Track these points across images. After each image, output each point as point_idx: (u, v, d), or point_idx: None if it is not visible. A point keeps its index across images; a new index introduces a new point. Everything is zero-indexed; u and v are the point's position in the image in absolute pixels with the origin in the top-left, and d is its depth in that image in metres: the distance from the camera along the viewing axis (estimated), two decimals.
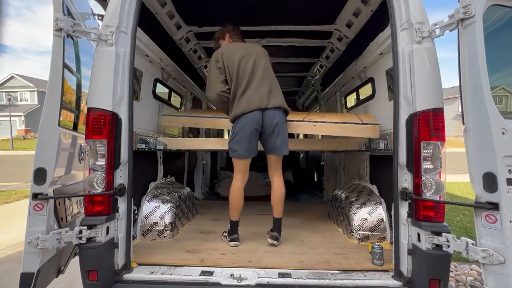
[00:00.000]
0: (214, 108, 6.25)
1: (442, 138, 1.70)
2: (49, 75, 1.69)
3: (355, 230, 2.47)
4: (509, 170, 1.44)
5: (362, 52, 2.89)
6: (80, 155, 2.28)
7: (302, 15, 3.10)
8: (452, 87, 27.92)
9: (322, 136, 4.06)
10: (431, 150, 1.70)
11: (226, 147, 2.46)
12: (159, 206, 2.59)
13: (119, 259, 1.83)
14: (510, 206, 1.42)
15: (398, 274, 1.81)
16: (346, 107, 3.92)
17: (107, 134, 1.77)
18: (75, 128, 2.27)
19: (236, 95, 2.33)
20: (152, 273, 1.86)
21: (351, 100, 3.77)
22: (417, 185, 1.73)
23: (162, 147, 3.01)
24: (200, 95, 4.75)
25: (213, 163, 6.02)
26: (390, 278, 1.83)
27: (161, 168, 3.15)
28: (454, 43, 1.59)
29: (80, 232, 1.69)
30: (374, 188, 2.72)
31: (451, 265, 3.26)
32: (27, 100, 33.01)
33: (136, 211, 2.50)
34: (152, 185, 2.83)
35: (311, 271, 1.91)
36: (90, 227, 1.71)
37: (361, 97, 3.39)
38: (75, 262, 1.87)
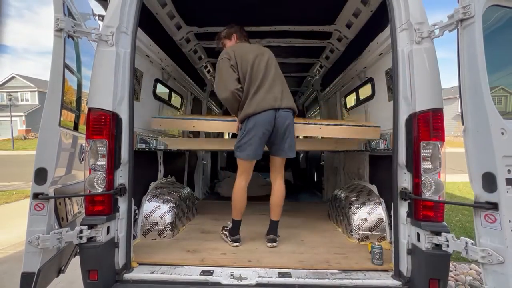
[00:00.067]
0: (214, 108, 6.30)
1: (441, 138, 1.71)
2: (50, 75, 1.69)
3: (355, 230, 2.48)
4: (509, 170, 1.44)
5: (362, 53, 2.90)
6: (81, 155, 2.29)
7: (302, 15, 3.11)
8: (452, 87, 27.92)
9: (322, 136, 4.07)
10: (430, 150, 1.70)
11: (226, 147, 2.46)
12: (159, 206, 2.59)
13: (120, 259, 1.83)
14: (509, 206, 1.42)
15: (397, 274, 1.81)
16: (345, 107, 3.93)
17: (108, 134, 1.77)
18: (75, 128, 2.28)
19: (249, 94, 2.28)
20: (152, 272, 1.86)
21: (350, 100, 3.77)
22: (417, 185, 1.73)
23: (162, 147, 3.01)
24: (200, 95, 4.76)
25: (213, 163, 6.03)
26: (389, 277, 1.83)
27: (161, 168, 3.16)
28: (453, 43, 1.60)
29: (81, 231, 1.69)
30: (374, 188, 2.73)
31: (451, 265, 3.26)
32: (28, 100, 33.03)
33: (137, 211, 2.51)
34: (152, 185, 2.83)
35: (311, 270, 1.91)
36: (90, 226, 1.72)
37: (361, 98, 3.39)
38: (75, 262, 1.87)
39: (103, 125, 1.76)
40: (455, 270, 3.28)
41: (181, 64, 3.58)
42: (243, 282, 1.78)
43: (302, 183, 6.44)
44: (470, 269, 3.29)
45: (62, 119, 1.77)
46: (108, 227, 1.77)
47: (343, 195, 2.96)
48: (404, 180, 1.80)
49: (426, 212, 1.70)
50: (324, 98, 4.84)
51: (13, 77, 33.10)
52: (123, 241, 1.86)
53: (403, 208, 1.81)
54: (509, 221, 1.41)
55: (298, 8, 2.97)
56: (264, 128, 2.24)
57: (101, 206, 1.76)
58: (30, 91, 33.02)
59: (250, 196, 2.50)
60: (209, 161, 5.50)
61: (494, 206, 1.44)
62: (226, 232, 2.45)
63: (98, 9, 2.37)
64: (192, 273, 1.86)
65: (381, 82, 2.71)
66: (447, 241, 1.59)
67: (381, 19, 2.40)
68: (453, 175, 8.64)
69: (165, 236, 2.52)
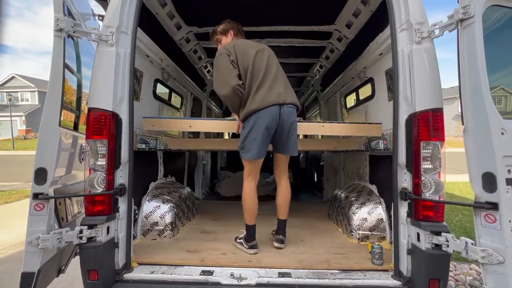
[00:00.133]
0: (214, 108, 6.29)
1: (441, 138, 1.71)
2: (50, 75, 1.69)
3: (355, 230, 2.48)
4: (509, 170, 1.44)
5: (362, 53, 2.90)
6: (81, 155, 2.29)
7: (302, 15, 3.11)
8: (452, 87, 27.92)
9: (322, 136, 4.07)
10: (430, 150, 1.70)
11: (226, 147, 2.45)
12: (159, 206, 2.59)
13: (120, 259, 1.83)
14: (509, 206, 1.42)
15: (397, 274, 1.81)
16: (345, 107, 3.93)
17: (108, 134, 1.77)
18: (75, 128, 2.27)
19: (251, 90, 2.17)
20: (152, 272, 1.86)
21: (350, 100, 3.78)
22: (417, 185, 1.73)
23: (162, 147, 3.01)
24: (200, 95, 4.76)
25: (213, 163, 6.03)
26: (389, 277, 1.83)
27: (161, 168, 3.16)
28: (453, 43, 1.61)
29: (81, 231, 1.69)
30: (374, 188, 2.73)
31: (451, 265, 3.26)
32: (28, 100, 33.03)
33: (137, 211, 2.50)
34: (152, 185, 2.83)
35: (311, 270, 1.91)
36: (90, 226, 1.72)
37: (361, 98, 3.39)
38: (75, 262, 1.87)
39: (103, 125, 1.76)
40: (455, 270, 3.28)
41: (181, 64, 3.59)
42: (243, 282, 1.78)
43: (302, 183, 6.44)
44: (470, 269, 3.29)
45: (62, 119, 1.77)
46: (108, 227, 1.77)
47: (343, 195, 2.96)
48: (404, 180, 1.80)
49: (426, 212, 1.70)
50: (324, 98, 4.84)
51: (13, 77, 33.10)
52: (123, 241, 1.86)
53: (403, 208, 1.81)
54: (509, 221, 1.41)
55: (298, 8, 2.97)
56: (269, 124, 2.14)
57: (101, 206, 1.76)
58: (30, 91, 33.02)
59: None
60: (209, 161, 5.50)
61: (494, 206, 1.44)
62: (241, 240, 2.29)
63: (98, 9, 2.37)
64: (192, 273, 1.86)
65: (381, 82, 2.71)
66: (447, 241, 1.59)
67: (381, 19, 2.40)
68: (453, 175, 8.65)
69: (165, 236, 2.52)
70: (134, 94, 2.12)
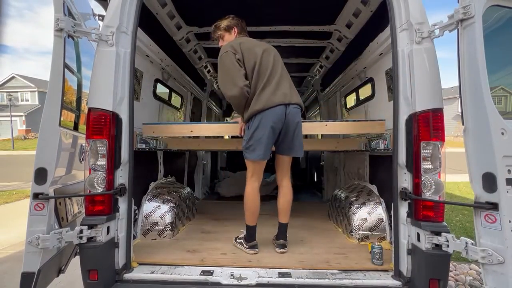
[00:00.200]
0: (214, 108, 6.29)
1: (441, 138, 1.71)
2: (50, 75, 1.69)
3: (355, 230, 2.48)
4: (509, 170, 1.44)
5: (362, 53, 2.90)
6: (81, 155, 2.29)
7: (302, 15, 3.11)
8: (452, 87, 27.91)
9: (322, 136, 4.07)
10: (430, 150, 1.70)
11: (226, 148, 2.44)
12: (159, 206, 2.59)
13: (120, 259, 1.83)
14: (509, 206, 1.42)
15: (397, 274, 1.81)
16: (346, 107, 3.93)
17: (108, 134, 1.77)
18: (75, 128, 2.28)
19: (256, 90, 2.11)
20: (152, 272, 1.86)
21: (351, 100, 3.78)
22: (417, 185, 1.73)
23: (162, 147, 3.01)
24: (200, 95, 4.76)
25: (213, 163, 6.03)
26: (389, 277, 1.83)
27: (161, 168, 3.16)
28: (453, 43, 1.60)
29: (81, 231, 1.69)
30: (374, 188, 2.73)
31: (451, 265, 3.26)
32: (28, 100, 33.03)
33: (137, 210, 2.51)
34: (152, 185, 2.83)
35: (311, 270, 1.91)
36: (90, 226, 1.72)
37: (361, 98, 3.39)
38: (75, 262, 1.88)
39: (103, 125, 1.76)
40: (455, 270, 3.28)
41: (181, 64, 3.59)
42: (243, 282, 1.78)
43: (302, 183, 6.44)
44: (470, 269, 3.29)
45: (62, 119, 1.77)
46: (108, 227, 1.77)
47: (343, 195, 2.96)
48: (404, 180, 1.80)
49: (426, 212, 1.70)
50: (324, 98, 4.84)
51: (13, 77, 33.10)
52: (123, 241, 1.86)
53: (403, 208, 1.81)
54: (509, 221, 1.41)
55: (298, 8, 2.96)
56: (274, 124, 2.09)
57: (101, 206, 1.77)
58: (30, 91, 33.02)
59: None
60: (209, 161, 5.50)
61: (494, 206, 1.44)
62: (241, 240, 2.29)
63: (98, 9, 2.37)
64: (192, 273, 1.86)
65: (381, 82, 2.71)
66: (447, 241, 1.59)
67: (381, 19, 2.40)
68: (453, 175, 8.64)
69: (165, 236, 2.52)
70: (134, 94, 2.12)
